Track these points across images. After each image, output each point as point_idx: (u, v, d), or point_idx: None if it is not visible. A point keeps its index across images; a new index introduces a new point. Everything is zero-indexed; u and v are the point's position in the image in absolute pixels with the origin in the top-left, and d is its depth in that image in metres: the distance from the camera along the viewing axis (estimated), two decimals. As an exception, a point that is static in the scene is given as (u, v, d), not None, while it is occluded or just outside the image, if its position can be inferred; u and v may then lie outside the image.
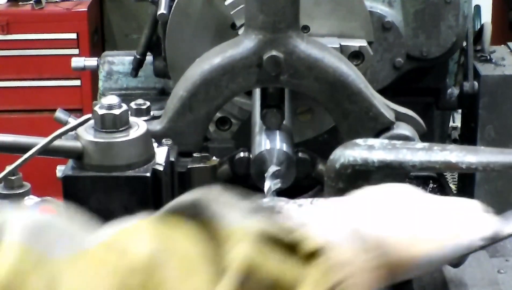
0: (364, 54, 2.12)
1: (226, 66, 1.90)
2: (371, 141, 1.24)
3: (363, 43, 2.14)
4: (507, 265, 1.96)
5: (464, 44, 2.60)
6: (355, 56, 2.12)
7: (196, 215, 1.11)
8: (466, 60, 2.63)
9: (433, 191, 2.84)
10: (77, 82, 4.96)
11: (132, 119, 1.68)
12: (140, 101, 1.95)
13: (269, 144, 1.95)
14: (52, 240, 1.07)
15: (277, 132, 1.98)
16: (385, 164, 1.19)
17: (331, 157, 1.22)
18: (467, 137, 2.76)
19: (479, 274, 1.91)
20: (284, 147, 1.95)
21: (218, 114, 2.11)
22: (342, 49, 2.09)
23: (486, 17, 4.16)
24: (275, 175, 1.90)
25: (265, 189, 1.88)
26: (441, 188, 2.84)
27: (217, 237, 1.08)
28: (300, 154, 2.09)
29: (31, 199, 1.71)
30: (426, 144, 1.21)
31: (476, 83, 2.59)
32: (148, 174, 1.63)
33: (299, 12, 1.90)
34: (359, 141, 1.24)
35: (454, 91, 2.65)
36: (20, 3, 5.00)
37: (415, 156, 1.19)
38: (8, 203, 1.75)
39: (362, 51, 2.12)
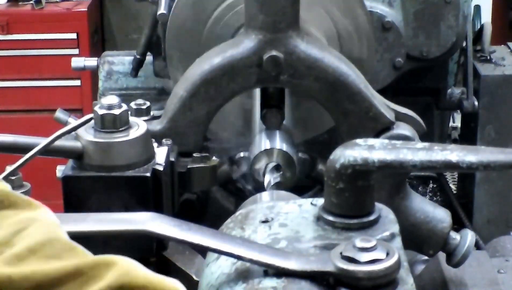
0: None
1: (226, 66, 1.90)
2: (371, 141, 1.23)
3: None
4: (507, 265, 1.96)
5: (464, 44, 2.60)
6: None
7: None
8: (466, 61, 2.63)
9: (433, 191, 2.84)
10: (77, 82, 4.95)
11: (132, 119, 1.68)
12: (140, 101, 1.95)
13: (269, 144, 1.95)
14: None
15: (277, 132, 1.99)
16: (386, 164, 1.19)
17: (331, 157, 1.22)
18: (467, 137, 2.76)
19: (479, 274, 1.91)
20: (284, 147, 1.95)
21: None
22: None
23: (486, 17, 4.15)
24: (274, 170, 1.91)
25: (265, 183, 1.88)
26: (441, 188, 2.84)
27: None
28: (300, 154, 2.09)
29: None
30: (426, 144, 1.21)
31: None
32: (148, 174, 1.63)
33: (299, 12, 1.90)
34: (359, 141, 1.23)
35: (454, 91, 2.65)
36: (20, 3, 4.99)
37: (415, 156, 1.19)
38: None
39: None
